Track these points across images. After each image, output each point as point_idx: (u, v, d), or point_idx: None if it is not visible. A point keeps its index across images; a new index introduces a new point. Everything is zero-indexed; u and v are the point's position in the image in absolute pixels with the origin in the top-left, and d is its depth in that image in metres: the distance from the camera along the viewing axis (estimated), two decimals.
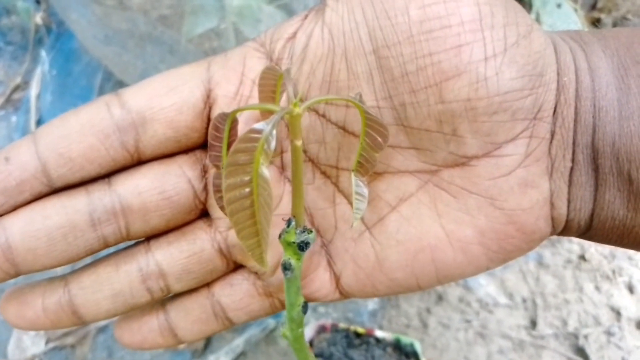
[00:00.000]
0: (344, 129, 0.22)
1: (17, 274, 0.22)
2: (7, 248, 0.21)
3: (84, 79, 0.82)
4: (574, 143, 0.22)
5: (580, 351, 0.63)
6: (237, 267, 0.24)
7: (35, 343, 0.64)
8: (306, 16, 0.22)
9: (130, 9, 0.65)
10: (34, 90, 0.84)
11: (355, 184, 0.21)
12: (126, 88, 0.22)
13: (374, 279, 0.24)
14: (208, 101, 0.23)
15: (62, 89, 0.81)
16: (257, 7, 0.62)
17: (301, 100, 0.18)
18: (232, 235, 0.23)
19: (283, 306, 0.24)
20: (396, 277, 0.24)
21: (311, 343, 0.53)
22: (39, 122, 0.82)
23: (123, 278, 0.23)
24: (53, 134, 0.21)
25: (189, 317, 0.25)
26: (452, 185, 0.22)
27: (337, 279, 0.24)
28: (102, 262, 0.23)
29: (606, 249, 0.70)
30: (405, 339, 0.53)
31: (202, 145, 0.23)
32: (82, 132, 0.21)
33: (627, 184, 0.21)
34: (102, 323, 0.66)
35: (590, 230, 0.23)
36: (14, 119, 0.84)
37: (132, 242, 0.24)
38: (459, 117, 0.21)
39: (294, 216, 0.20)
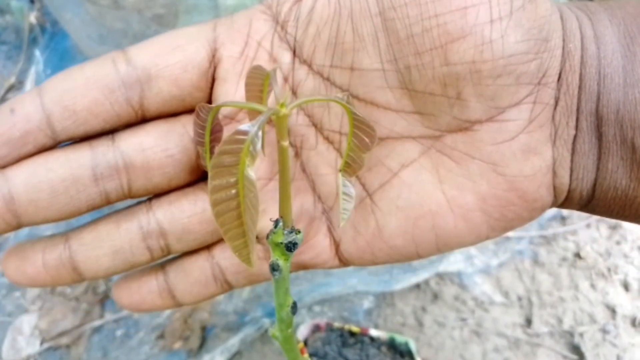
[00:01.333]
0: (348, 92, 0.22)
1: (18, 226, 0.22)
2: (10, 199, 0.21)
3: None
4: (578, 110, 0.22)
5: (576, 349, 0.63)
6: None
7: (30, 343, 0.64)
8: None
9: (124, 8, 0.65)
10: (28, 89, 0.84)
11: (343, 184, 0.21)
12: (132, 46, 0.22)
13: (373, 245, 0.24)
14: (213, 61, 0.23)
15: None
16: (251, 4, 0.62)
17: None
18: None
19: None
20: (396, 244, 0.23)
21: (305, 342, 0.53)
22: None
23: (124, 236, 0.23)
24: (58, 87, 0.21)
25: (188, 279, 0.24)
26: (454, 150, 0.22)
27: (336, 246, 0.24)
28: (103, 219, 0.23)
29: (602, 247, 0.70)
30: (400, 338, 0.53)
31: None
32: (88, 86, 0.21)
33: (631, 152, 0.21)
34: (97, 323, 0.66)
35: (592, 201, 0.23)
36: None
37: (134, 202, 0.24)
38: (463, 80, 0.21)
39: (281, 217, 0.20)
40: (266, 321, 0.64)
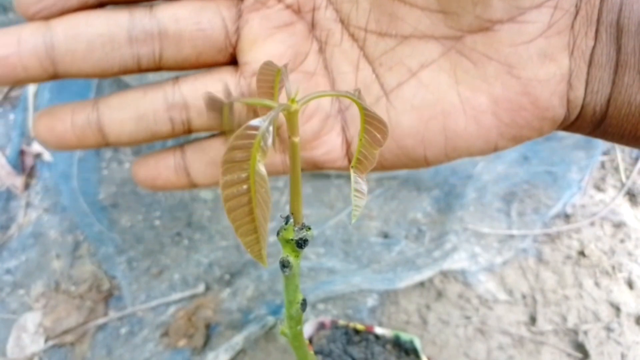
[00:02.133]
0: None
1: (55, 75, 0.23)
2: (50, 46, 0.22)
3: None
4: (598, 20, 0.22)
5: (580, 347, 0.62)
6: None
7: (34, 341, 0.64)
8: None
9: None
10: (31, 87, 0.84)
11: (355, 180, 0.21)
12: None
13: (383, 146, 0.25)
14: None
15: (60, 86, 0.81)
16: None
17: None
18: (255, 82, 0.24)
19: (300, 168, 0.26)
20: (406, 144, 0.24)
21: (310, 340, 0.53)
22: None
23: (149, 103, 0.24)
24: None
25: (205, 158, 0.26)
26: (473, 51, 0.23)
27: (348, 145, 0.25)
28: (132, 88, 0.25)
29: (606, 245, 0.70)
30: (405, 336, 0.53)
31: None
32: None
33: None
34: (101, 321, 0.66)
35: (605, 120, 0.23)
36: (11, 116, 0.84)
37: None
38: None
39: (292, 213, 0.20)
40: (270, 319, 0.64)
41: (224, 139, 0.25)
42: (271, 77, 0.20)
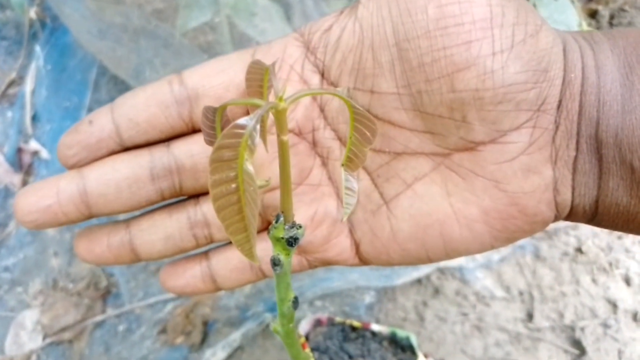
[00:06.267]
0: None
1: (90, 216, 0.26)
2: (84, 193, 0.25)
3: (79, 73, 0.81)
4: (578, 134, 0.23)
5: (577, 343, 0.63)
6: None
7: (32, 338, 0.64)
8: (341, 12, 0.25)
9: (124, 3, 0.65)
10: (28, 85, 0.83)
11: (345, 178, 0.21)
12: (186, 70, 0.27)
13: (388, 248, 0.26)
14: None
15: (57, 83, 0.81)
16: (252, 0, 0.62)
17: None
18: (267, 196, 0.26)
19: (314, 266, 0.27)
20: (408, 247, 0.26)
21: (307, 337, 0.53)
22: (34, 117, 0.82)
23: (174, 224, 0.27)
24: (126, 104, 0.26)
25: (228, 266, 0.28)
26: (461, 167, 0.24)
27: (357, 246, 0.27)
28: (159, 210, 0.28)
29: (603, 241, 0.70)
30: (401, 333, 0.53)
31: None
32: (148, 102, 0.26)
33: (630, 173, 0.23)
34: (99, 318, 0.66)
35: (597, 216, 0.24)
36: (9, 114, 0.84)
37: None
38: (467, 105, 0.23)
39: (282, 212, 0.20)
40: (268, 316, 0.64)
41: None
42: (260, 77, 0.20)
